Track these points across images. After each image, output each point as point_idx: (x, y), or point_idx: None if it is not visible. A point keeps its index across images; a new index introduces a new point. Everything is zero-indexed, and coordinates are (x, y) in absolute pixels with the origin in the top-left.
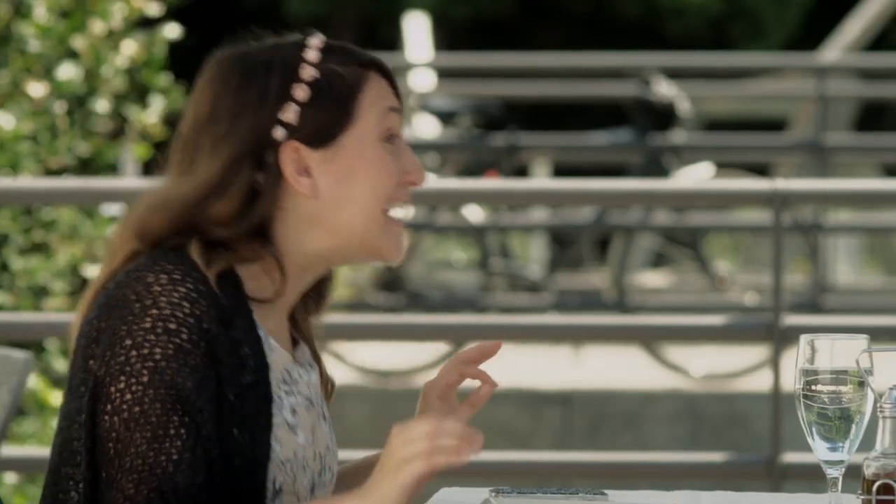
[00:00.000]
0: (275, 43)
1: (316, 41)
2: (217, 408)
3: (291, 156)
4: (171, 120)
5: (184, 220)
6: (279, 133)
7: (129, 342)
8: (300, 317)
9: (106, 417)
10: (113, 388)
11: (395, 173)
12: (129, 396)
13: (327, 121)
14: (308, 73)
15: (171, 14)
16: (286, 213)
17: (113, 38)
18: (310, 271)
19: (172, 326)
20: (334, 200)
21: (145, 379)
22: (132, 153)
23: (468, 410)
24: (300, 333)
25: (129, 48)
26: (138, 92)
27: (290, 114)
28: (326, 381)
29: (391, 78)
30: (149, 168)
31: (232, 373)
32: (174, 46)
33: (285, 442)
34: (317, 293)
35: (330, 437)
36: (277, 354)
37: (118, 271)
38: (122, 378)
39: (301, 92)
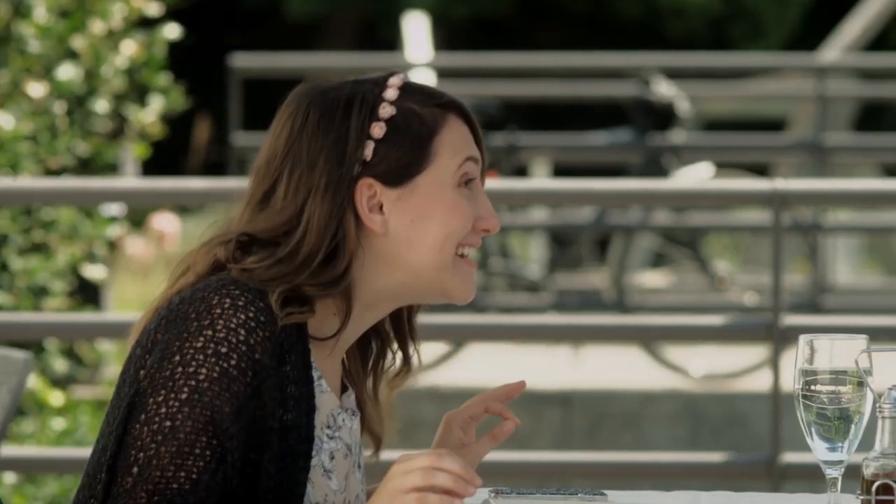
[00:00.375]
0: (356, 80)
1: (396, 80)
2: (254, 440)
3: (366, 192)
4: (170, 120)
5: (261, 250)
6: (356, 170)
7: (177, 358)
8: (353, 362)
9: (137, 426)
10: (151, 400)
11: (469, 219)
12: (164, 410)
13: (403, 159)
14: (386, 111)
15: (171, 14)
16: (357, 250)
17: (112, 38)
18: (374, 311)
19: (223, 350)
20: (406, 239)
21: (184, 396)
22: (132, 153)
23: (489, 443)
24: (349, 378)
25: (129, 48)
26: (138, 92)
27: (367, 151)
28: (375, 435)
29: (473, 123)
30: (148, 168)
31: (275, 409)
32: (174, 46)
33: (318, 485)
34: (380, 347)
35: (361, 487)
36: (327, 397)
37: (187, 287)
38: (163, 392)
39: (378, 129)
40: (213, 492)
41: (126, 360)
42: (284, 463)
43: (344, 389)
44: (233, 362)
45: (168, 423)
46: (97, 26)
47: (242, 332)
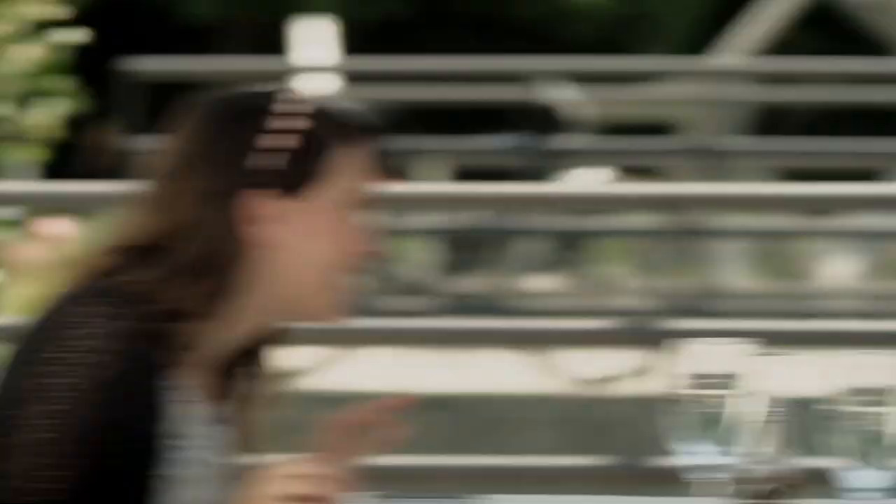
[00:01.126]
0: (257, 91)
1: (298, 92)
2: (126, 446)
3: (256, 204)
4: (73, 123)
5: (144, 257)
6: (247, 180)
7: (46, 368)
8: (226, 375)
9: (11, 438)
10: (21, 412)
11: (353, 242)
12: (35, 422)
13: (296, 173)
14: (285, 122)
15: (78, 18)
16: (241, 261)
17: (15, 40)
18: (250, 325)
19: (92, 360)
20: (292, 256)
21: (58, 406)
22: (26, 156)
23: (370, 448)
24: (222, 389)
25: (34, 51)
26: (40, 94)
27: (260, 161)
28: (247, 444)
29: (377, 143)
30: (46, 171)
31: (143, 417)
32: (76, 49)
33: (176, 495)
34: (250, 362)
35: (221, 498)
36: (195, 407)
37: (66, 294)
38: (34, 403)
39: (273, 142)
40: (95, 501)
41: (6, 360)
42: (153, 472)
43: (217, 399)
44: (101, 371)
45: (40, 436)
46: (2, 28)
47: (112, 341)
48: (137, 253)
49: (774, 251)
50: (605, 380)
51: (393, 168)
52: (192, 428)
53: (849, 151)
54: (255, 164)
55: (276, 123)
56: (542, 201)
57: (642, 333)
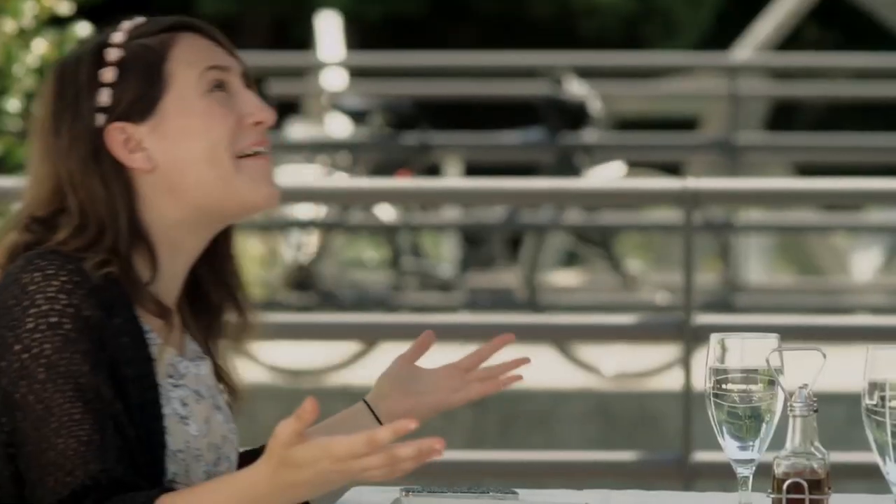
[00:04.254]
0: (86, 38)
1: (126, 23)
2: (117, 390)
3: (119, 137)
4: None
5: (51, 222)
6: (100, 119)
7: (18, 347)
8: (192, 312)
9: (19, 425)
10: (18, 396)
11: (227, 120)
12: (31, 398)
13: (141, 92)
14: (113, 54)
15: (83, 13)
16: (140, 195)
17: (24, 36)
18: (182, 249)
19: (54, 320)
20: (176, 166)
21: (42, 377)
22: None
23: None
24: (190, 327)
25: (40, 47)
26: None
27: (104, 98)
28: (227, 375)
29: (211, 34)
30: None
31: (117, 359)
32: None
33: (176, 433)
34: (210, 285)
35: (228, 428)
36: (160, 348)
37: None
38: (23, 383)
39: (109, 74)
40: (110, 449)
41: None
42: (138, 415)
43: (189, 334)
44: (67, 326)
45: (41, 406)
46: (8, 25)
47: (63, 296)
48: (45, 220)
49: (796, 245)
50: (632, 375)
51: (414, 164)
52: (169, 366)
53: (865, 146)
54: (100, 101)
55: (109, 56)
56: (563, 196)
57: (667, 328)
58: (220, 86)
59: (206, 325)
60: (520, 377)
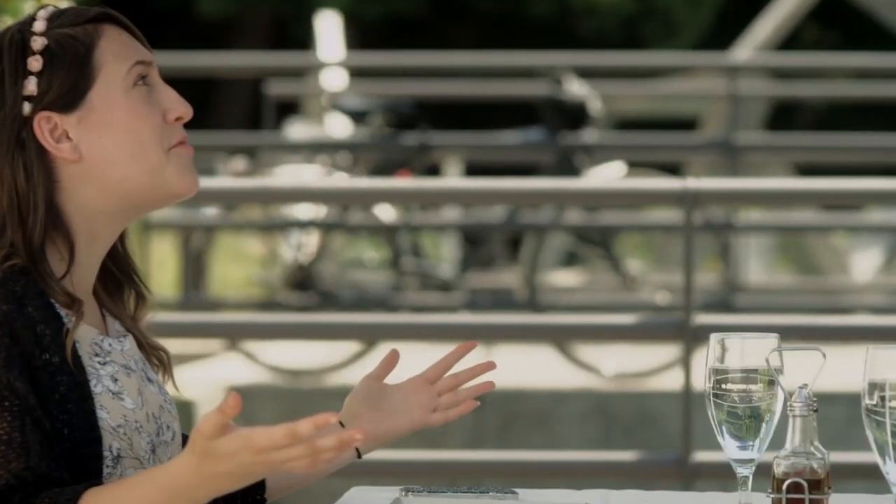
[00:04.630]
0: (6, 28)
1: (43, 12)
2: (35, 382)
3: (45, 126)
4: None
5: None
6: (26, 108)
7: None
8: (107, 295)
9: None
10: None
11: (152, 115)
12: None
13: (68, 83)
14: (38, 42)
15: None
16: (62, 184)
17: None
18: (101, 237)
19: None
20: (102, 157)
21: None
22: None
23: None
24: (109, 309)
25: None
26: None
27: (30, 87)
28: (153, 348)
29: (130, 28)
30: None
31: (34, 350)
32: None
33: (112, 409)
34: (121, 269)
35: (163, 398)
36: (82, 330)
37: None
38: None
39: (35, 63)
40: (32, 445)
41: None
42: (70, 398)
43: (112, 315)
44: None
45: None
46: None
47: None
48: None
49: (796, 245)
50: (632, 375)
51: (414, 164)
52: (94, 345)
53: (863, 146)
54: (27, 90)
55: (34, 44)
56: (563, 196)
57: (667, 328)
58: (143, 80)
59: (119, 304)
60: (491, 384)
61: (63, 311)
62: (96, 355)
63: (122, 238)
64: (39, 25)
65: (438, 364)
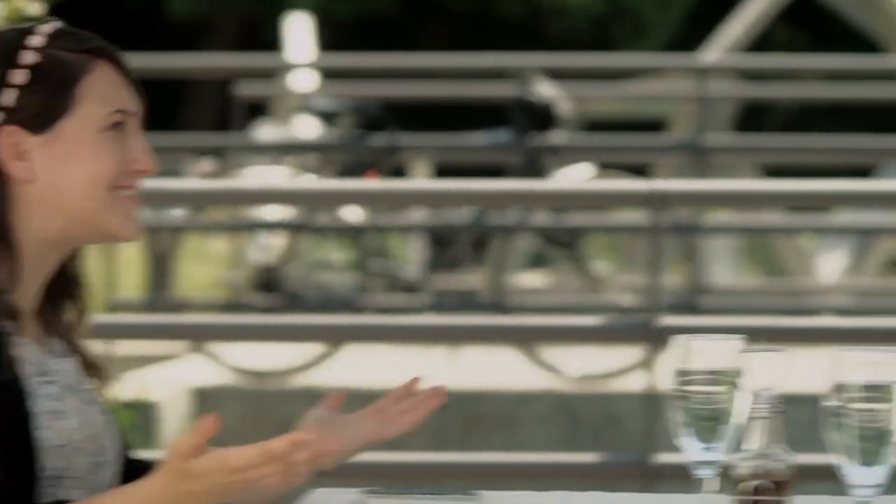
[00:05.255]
0: (5, 31)
1: (47, 27)
2: None
3: (8, 140)
4: None
5: None
6: (2, 119)
7: None
8: (50, 315)
9: None
10: None
11: (113, 162)
12: None
13: (45, 105)
14: (29, 57)
15: (52, 13)
16: (12, 200)
17: None
18: (43, 261)
19: None
20: (53, 185)
21: None
22: None
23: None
24: (52, 329)
25: None
26: None
27: (8, 98)
28: (95, 368)
29: (124, 69)
30: None
31: None
32: None
33: (55, 429)
34: (65, 292)
35: (104, 419)
36: (25, 350)
37: None
38: None
39: (20, 77)
40: None
41: None
42: (10, 418)
43: (52, 334)
44: None
45: None
46: None
47: None
48: None
49: (763, 247)
50: (596, 376)
51: (382, 165)
52: (31, 366)
53: (833, 148)
54: (6, 101)
55: (24, 58)
56: (530, 198)
57: (633, 330)
58: (117, 126)
59: (62, 323)
60: (443, 392)
61: (6, 329)
62: (39, 374)
63: (73, 259)
64: (37, 41)
65: (388, 397)
